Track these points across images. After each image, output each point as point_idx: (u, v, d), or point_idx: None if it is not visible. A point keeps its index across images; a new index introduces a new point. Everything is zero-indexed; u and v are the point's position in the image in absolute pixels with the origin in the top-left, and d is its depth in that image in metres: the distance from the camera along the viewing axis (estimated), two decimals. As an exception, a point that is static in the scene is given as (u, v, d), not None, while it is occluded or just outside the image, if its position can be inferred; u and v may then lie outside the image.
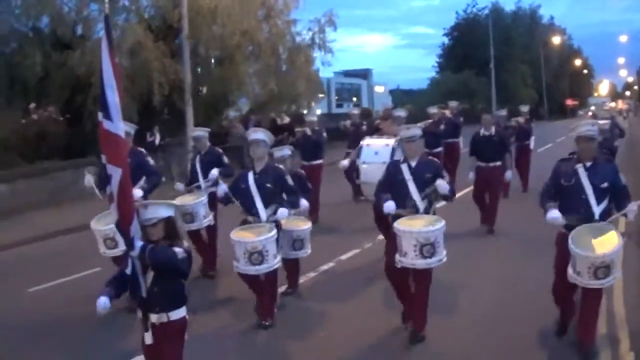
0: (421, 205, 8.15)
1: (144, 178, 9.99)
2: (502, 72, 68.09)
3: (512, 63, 75.63)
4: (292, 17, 29.09)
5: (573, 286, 7.24)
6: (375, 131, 13.48)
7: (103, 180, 7.24)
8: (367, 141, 11.90)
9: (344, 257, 12.36)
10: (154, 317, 5.64)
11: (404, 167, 8.28)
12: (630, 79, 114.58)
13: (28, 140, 21.93)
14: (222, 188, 9.57)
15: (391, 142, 11.26)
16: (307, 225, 9.98)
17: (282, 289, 9.88)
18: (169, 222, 5.74)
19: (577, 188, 7.33)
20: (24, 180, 19.67)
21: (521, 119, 20.49)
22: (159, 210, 5.70)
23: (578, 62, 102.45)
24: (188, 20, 23.91)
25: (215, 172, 11.23)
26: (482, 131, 14.26)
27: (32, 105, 23.50)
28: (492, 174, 13.99)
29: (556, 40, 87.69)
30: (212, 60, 28.31)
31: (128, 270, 5.67)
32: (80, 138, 22.74)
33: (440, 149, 18.65)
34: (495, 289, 10.07)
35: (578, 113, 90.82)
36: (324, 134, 16.71)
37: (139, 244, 5.51)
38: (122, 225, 5.52)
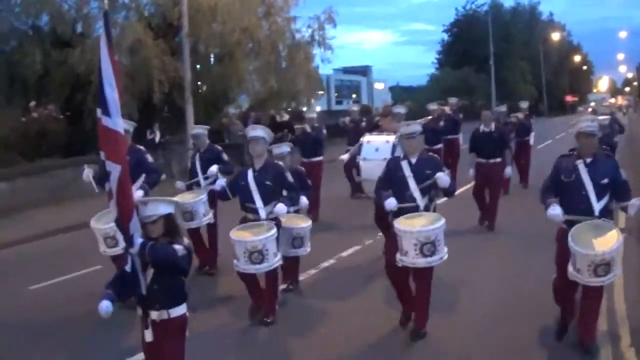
0: (422, 202, 8.10)
1: (143, 176, 9.98)
2: (501, 68, 68.14)
3: (511, 59, 75.70)
4: (291, 15, 29.19)
5: (574, 284, 7.20)
6: (374, 128, 13.46)
7: (102, 177, 7.21)
8: (367, 138, 11.87)
9: (344, 254, 12.36)
10: (154, 315, 5.62)
11: (404, 164, 8.24)
12: (630, 75, 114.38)
13: (28, 139, 21.95)
14: (220, 182, 9.58)
15: (391, 138, 11.22)
16: (306, 223, 9.96)
17: (283, 286, 9.88)
18: (168, 219, 5.71)
19: (578, 184, 7.31)
20: (24, 179, 19.70)
21: (520, 115, 20.51)
22: (159, 207, 5.68)
23: (577, 58, 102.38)
24: (188, 18, 24.00)
25: (214, 168, 11.19)
26: (482, 127, 14.24)
27: (32, 103, 23.49)
28: (492, 170, 13.96)
29: (556, 36, 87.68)
30: (212, 58, 28.35)
31: (128, 267, 5.66)
32: (81, 136, 22.77)
33: (440, 145, 18.67)
34: (495, 286, 10.04)
35: (578, 109, 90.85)
36: (324, 131, 16.71)
37: (138, 241, 5.49)
38: (122, 223, 5.50)
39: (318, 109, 38.67)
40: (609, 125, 15.91)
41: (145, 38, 23.97)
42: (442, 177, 8.06)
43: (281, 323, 8.84)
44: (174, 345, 5.71)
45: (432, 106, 20.24)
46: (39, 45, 23.77)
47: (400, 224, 7.80)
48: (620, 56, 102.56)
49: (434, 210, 8.31)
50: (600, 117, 14.12)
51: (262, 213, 8.80)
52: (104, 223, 9.46)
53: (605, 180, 7.27)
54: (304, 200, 9.66)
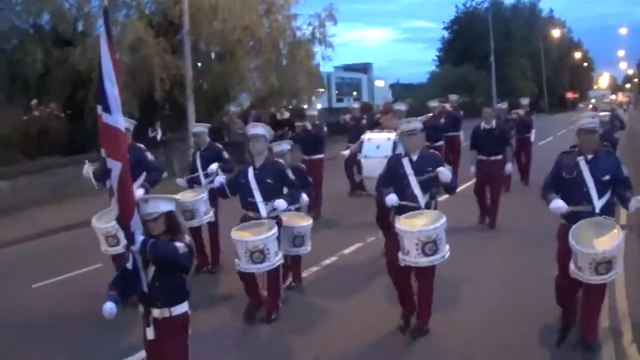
0: (422, 199, 8.09)
1: (144, 174, 9.99)
2: (502, 65, 68.17)
3: (512, 56, 75.72)
4: (292, 12, 29.12)
5: (575, 282, 7.16)
6: (375, 125, 13.45)
7: (103, 174, 7.20)
8: (368, 135, 11.85)
9: (346, 251, 12.37)
10: (156, 312, 5.62)
11: (405, 161, 8.22)
12: (630, 72, 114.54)
13: (29, 137, 21.97)
14: (219, 179, 9.59)
15: (392, 136, 11.22)
16: (307, 222, 9.97)
17: (285, 283, 9.88)
18: (169, 216, 5.72)
19: (579, 181, 7.28)
20: (26, 177, 19.73)
21: (521, 111, 20.51)
22: (160, 205, 5.68)
23: (578, 55, 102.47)
24: (189, 16, 24.00)
25: (214, 166, 11.16)
26: (483, 125, 14.23)
27: (34, 101, 23.49)
28: (493, 167, 13.96)
29: (556, 33, 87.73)
30: (213, 56, 28.32)
31: (129, 265, 5.65)
32: (82, 134, 22.77)
33: (441, 142, 18.68)
34: (496, 284, 10.04)
35: (578, 106, 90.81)
36: (325, 129, 16.67)
37: (139, 238, 5.50)
38: (123, 220, 5.49)
39: (319, 106, 38.57)
40: (610, 121, 15.92)
41: (146, 36, 23.96)
42: (444, 172, 8.04)
43: (283, 321, 8.86)
44: (176, 343, 5.71)
45: (433, 103, 20.26)
46: (40, 44, 23.77)
47: (401, 224, 7.79)
48: (621, 53, 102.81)
49: (435, 208, 8.30)
50: (601, 114, 14.13)
51: (263, 211, 8.79)
52: (105, 222, 9.46)
53: (607, 177, 7.25)
54: (304, 197, 9.65)
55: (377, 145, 11.36)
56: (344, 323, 8.73)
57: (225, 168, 11.19)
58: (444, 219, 7.77)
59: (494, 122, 14.23)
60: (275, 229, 8.57)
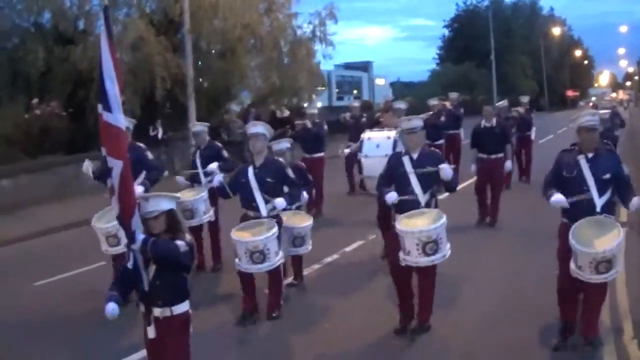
0: (423, 198, 8.07)
1: (144, 173, 9.99)
2: (502, 63, 68.09)
3: (512, 54, 75.68)
4: (293, 11, 29.20)
5: (577, 284, 7.13)
6: (375, 124, 13.44)
7: (104, 173, 7.18)
8: (367, 134, 11.77)
9: (348, 249, 12.42)
10: (157, 311, 5.60)
11: (406, 160, 8.19)
12: (631, 70, 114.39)
13: (31, 135, 21.98)
14: (218, 178, 9.61)
15: (392, 134, 11.18)
16: (307, 222, 9.97)
17: (287, 281, 9.92)
18: (170, 214, 5.69)
19: (579, 179, 7.22)
20: (27, 175, 19.77)
21: (521, 109, 20.52)
22: (161, 203, 5.66)
23: (578, 53, 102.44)
24: (189, 15, 24.04)
25: (213, 165, 11.13)
26: (483, 123, 14.25)
27: (35, 100, 23.50)
28: (494, 166, 13.99)
29: (556, 31, 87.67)
30: (214, 54, 28.33)
31: (130, 264, 5.64)
32: (83, 133, 22.77)
33: (441, 141, 18.69)
34: (497, 283, 10.04)
35: (579, 104, 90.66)
36: (325, 127, 16.69)
37: (140, 237, 5.48)
38: (124, 219, 5.47)
39: (319, 104, 38.64)
40: (610, 119, 15.96)
41: (147, 35, 24.00)
42: (446, 169, 8.02)
43: (284, 319, 8.88)
44: (177, 343, 5.70)
45: (433, 101, 20.31)
46: (41, 43, 23.83)
47: (402, 224, 7.78)
48: (621, 51, 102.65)
49: (436, 206, 8.27)
50: (601, 111, 14.15)
51: (263, 210, 8.79)
52: (105, 222, 9.46)
53: (607, 176, 7.19)
54: (304, 195, 9.66)
55: (377, 145, 11.29)
56: (345, 321, 8.73)
57: (225, 167, 11.16)
58: (444, 219, 7.74)
59: (494, 121, 14.23)
60: (275, 229, 8.55)
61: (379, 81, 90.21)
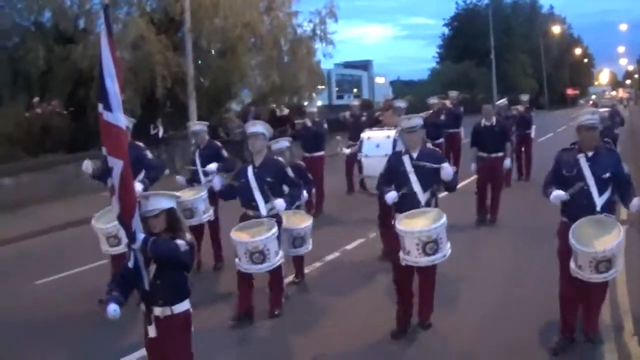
0: (423, 197, 8.03)
1: (143, 172, 9.96)
2: (502, 62, 68.03)
3: (512, 53, 75.63)
4: (293, 9, 29.23)
5: (576, 280, 7.07)
6: (375, 122, 13.44)
7: (104, 172, 7.17)
8: (367, 134, 11.69)
9: (349, 247, 12.45)
10: (157, 311, 5.60)
11: (406, 159, 8.14)
12: (631, 68, 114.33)
13: (32, 134, 22.00)
14: (217, 181, 9.63)
15: (392, 133, 11.16)
16: (306, 222, 9.95)
17: (288, 279, 9.93)
18: (170, 213, 5.68)
19: (579, 178, 7.19)
20: (28, 174, 19.78)
21: (521, 108, 20.54)
22: (161, 201, 5.65)
23: (578, 51, 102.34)
24: (190, 13, 24.03)
25: (213, 166, 11.15)
26: (483, 121, 14.26)
27: (36, 99, 23.52)
28: (494, 164, 14.01)
29: (556, 29, 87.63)
30: (214, 53, 28.35)
31: (130, 263, 5.62)
32: (84, 131, 22.78)
33: (441, 139, 18.70)
34: (497, 282, 10.05)
35: (579, 102, 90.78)
36: (325, 125, 16.68)
37: (140, 236, 5.47)
38: (124, 218, 5.46)
39: (319, 103, 38.67)
40: (610, 117, 15.97)
41: (147, 33, 24.03)
42: (447, 168, 7.99)
43: (285, 317, 8.90)
44: (178, 342, 5.70)
45: (433, 100, 20.28)
46: (41, 42, 23.87)
47: (402, 225, 7.75)
48: (621, 49, 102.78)
49: (436, 205, 8.28)
50: (601, 109, 14.16)
51: (263, 210, 8.77)
52: (105, 222, 9.45)
53: (607, 174, 7.15)
54: (304, 194, 9.67)
55: (377, 144, 11.24)
56: (345, 320, 8.75)
57: (224, 167, 11.20)
58: (444, 218, 7.70)
59: (494, 119, 14.25)
60: (275, 229, 8.52)
61: (379, 80, 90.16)
